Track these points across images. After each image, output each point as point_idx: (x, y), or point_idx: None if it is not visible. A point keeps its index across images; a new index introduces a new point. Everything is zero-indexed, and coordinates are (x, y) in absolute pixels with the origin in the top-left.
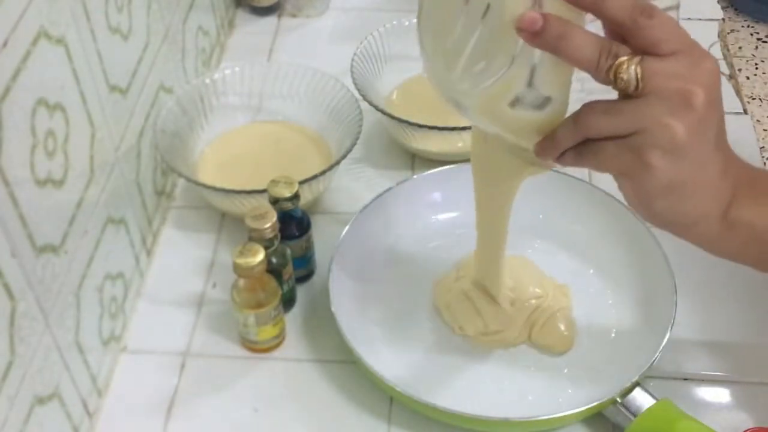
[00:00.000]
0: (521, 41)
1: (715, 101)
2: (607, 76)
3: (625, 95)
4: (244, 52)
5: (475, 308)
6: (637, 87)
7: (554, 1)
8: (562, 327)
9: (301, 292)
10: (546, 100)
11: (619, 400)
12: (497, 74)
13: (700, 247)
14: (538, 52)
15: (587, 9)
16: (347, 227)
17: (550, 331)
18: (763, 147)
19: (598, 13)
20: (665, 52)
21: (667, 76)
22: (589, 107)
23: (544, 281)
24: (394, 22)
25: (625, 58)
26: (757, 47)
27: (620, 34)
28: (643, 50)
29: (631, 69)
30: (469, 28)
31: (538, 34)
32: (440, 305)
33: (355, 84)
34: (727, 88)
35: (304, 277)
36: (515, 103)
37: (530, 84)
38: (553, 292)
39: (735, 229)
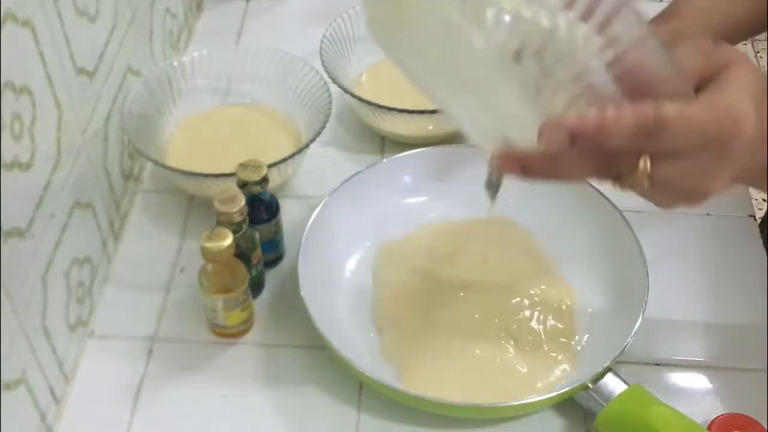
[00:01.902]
0: None
1: (753, 161)
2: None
3: None
4: (213, 35)
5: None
6: (645, 191)
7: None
8: (561, 326)
9: (270, 276)
10: None
11: (590, 385)
12: None
13: None
14: None
15: (592, 152)
16: (316, 211)
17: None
18: None
19: (604, 152)
20: (683, 155)
21: (676, 182)
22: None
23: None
24: None
25: (631, 176)
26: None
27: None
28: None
29: (639, 185)
30: None
31: (527, 172)
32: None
33: (324, 66)
34: None
35: (273, 262)
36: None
37: None
38: (556, 288)
39: None
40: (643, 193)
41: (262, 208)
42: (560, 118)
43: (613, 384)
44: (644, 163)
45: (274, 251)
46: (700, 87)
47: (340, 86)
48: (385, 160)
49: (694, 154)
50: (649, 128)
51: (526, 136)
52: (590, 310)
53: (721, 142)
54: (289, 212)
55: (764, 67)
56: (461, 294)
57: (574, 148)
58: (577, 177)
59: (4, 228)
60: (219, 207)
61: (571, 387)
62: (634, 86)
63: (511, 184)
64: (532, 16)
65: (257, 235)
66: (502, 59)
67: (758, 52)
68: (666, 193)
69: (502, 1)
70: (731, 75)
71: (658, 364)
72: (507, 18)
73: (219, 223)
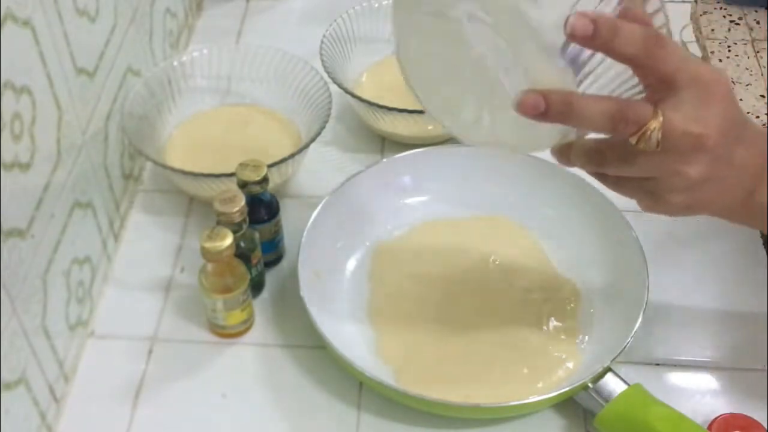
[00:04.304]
0: None
1: (730, 118)
2: (626, 139)
3: None
4: (213, 35)
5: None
6: (657, 146)
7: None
8: (563, 324)
9: (270, 276)
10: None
11: (590, 385)
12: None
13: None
14: None
15: (598, 49)
16: (316, 211)
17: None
18: None
19: (610, 52)
20: (680, 85)
21: (683, 127)
22: (602, 154)
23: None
24: (364, 4)
25: (646, 127)
26: (729, 29)
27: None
28: (656, 83)
29: (653, 136)
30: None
31: (544, 114)
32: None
33: (325, 66)
34: None
35: (273, 262)
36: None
37: None
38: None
39: (755, 210)
40: (649, 161)
41: (262, 208)
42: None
43: (613, 384)
44: (659, 114)
45: (274, 251)
46: None
47: (340, 86)
48: (385, 160)
49: (689, 93)
50: (657, 38)
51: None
52: (592, 310)
53: (708, 80)
54: (289, 212)
55: (764, 67)
56: (462, 294)
57: (595, 40)
58: (595, 111)
59: (4, 228)
60: (219, 207)
61: (571, 387)
62: None
63: (512, 184)
64: None
65: (257, 235)
66: None
67: (758, 51)
68: (676, 142)
69: None
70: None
71: (658, 364)
72: None
73: (219, 223)
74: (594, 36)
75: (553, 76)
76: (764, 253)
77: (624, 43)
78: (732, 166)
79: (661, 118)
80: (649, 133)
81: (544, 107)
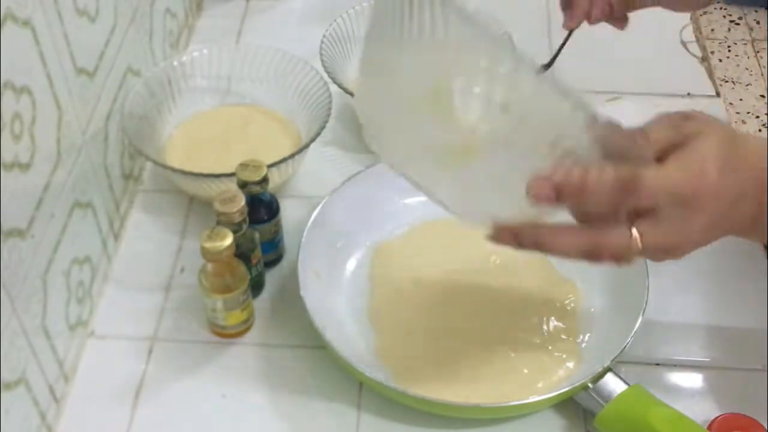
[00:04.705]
0: None
1: (718, 212)
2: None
3: None
4: (213, 35)
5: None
6: (635, 260)
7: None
8: (564, 325)
9: (270, 276)
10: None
11: (590, 385)
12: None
13: None
14: None
15: (566, 209)
16: (316, 211)
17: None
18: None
19: (578, 214)
20: (659, 208)
21: (663, 243)
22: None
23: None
24: (364, 4)
25: (622, 249)
26: (729, 29)
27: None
28: (636, 216)
29: (629, 258)
30: None
31: (517, 245)
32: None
33: (324, 66)
34: (699, 71)
35: (273, 262)
36: None
37: None
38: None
39: (761, 231)
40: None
41: (262, 208)
42: (547, 174)
43: (613, 384)
44: (636, 241)
45: (274, 251)
46: (668, 152)
47: (340, 86)
48: None
49: (671, 211)
50: (629, 186)
51: (515, 212)
52: (592, 310)
53: (690, 195)
54: (289, 212)
55: (764, 67)
56: (462, 294)
57: (560, 204)
58: (569, 249)
59: (4, 228)
60: (219, 207)
61: (571, 387)
62: (608, 149)
63: None
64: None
65: (257, 235)
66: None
67: (758, 51)
68: (653, 256)
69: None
70: (697, 143)
71: (658, 364)
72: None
73: (219, 223)
74: (558, 200)
75: (524, 214)
76: (764, 252)
77: (593, 205)
78: (729, 225)
79: (639, 243)
80: (624, 261)
81: (516, 243)
